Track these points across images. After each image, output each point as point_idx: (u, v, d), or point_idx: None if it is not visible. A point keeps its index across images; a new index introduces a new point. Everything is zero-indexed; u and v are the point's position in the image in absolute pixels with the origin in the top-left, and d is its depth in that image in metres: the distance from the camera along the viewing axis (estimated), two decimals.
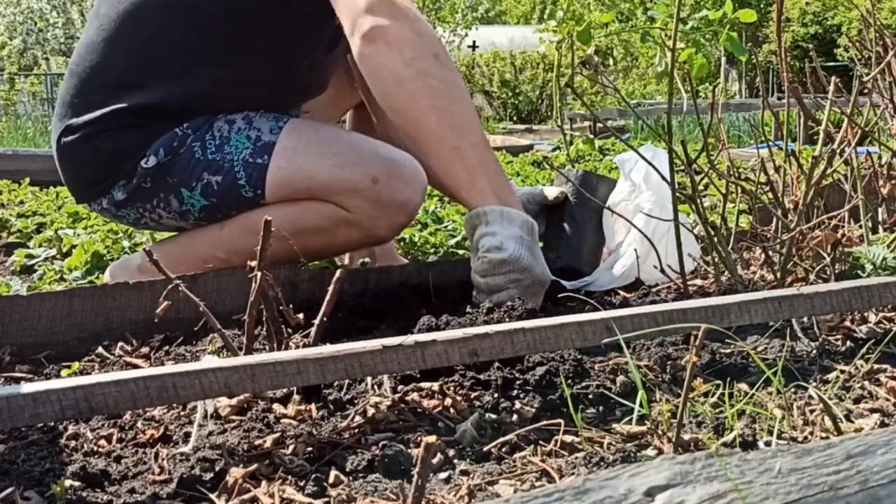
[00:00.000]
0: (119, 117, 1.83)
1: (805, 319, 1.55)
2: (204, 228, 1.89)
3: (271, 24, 1.85)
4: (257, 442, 1.08)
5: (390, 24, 1.66)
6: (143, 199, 1.87)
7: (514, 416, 1.18)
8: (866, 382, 1.30)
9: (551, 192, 2.00)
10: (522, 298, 1.54)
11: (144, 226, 1.97)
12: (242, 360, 1.10)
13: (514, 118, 13.89)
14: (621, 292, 1.82)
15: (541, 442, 1.10)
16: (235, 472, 0.99)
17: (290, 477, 1.01)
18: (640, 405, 1.13)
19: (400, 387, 1.25)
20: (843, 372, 1.33)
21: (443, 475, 1.02)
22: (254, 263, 1.26)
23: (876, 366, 1.35)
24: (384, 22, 1.66)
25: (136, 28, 1.84)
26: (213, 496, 0.97)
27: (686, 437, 1.09)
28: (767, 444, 1.09)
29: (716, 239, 1.71)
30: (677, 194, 1.69)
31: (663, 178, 1.70)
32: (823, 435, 1.12)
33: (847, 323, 1.56)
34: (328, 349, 1.13)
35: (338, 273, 1.30)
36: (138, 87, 1.83)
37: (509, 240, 1.62)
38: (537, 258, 1.65)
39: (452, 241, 2.59)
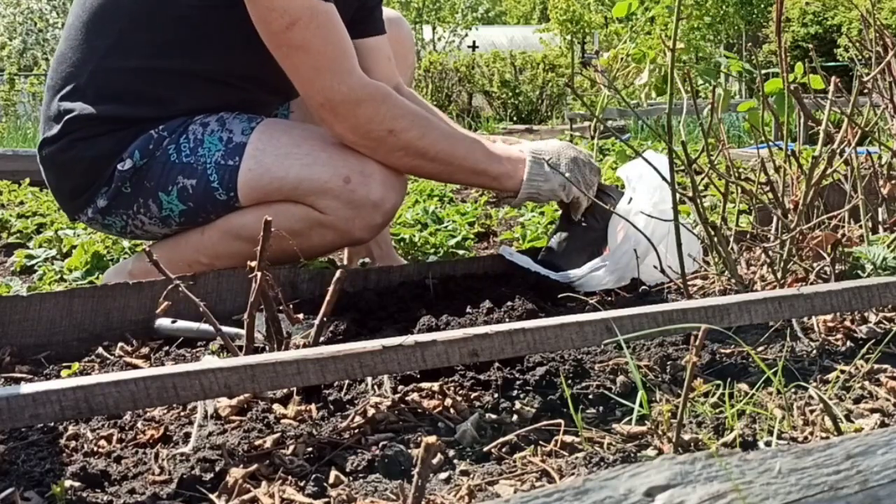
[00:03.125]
0: (93, 124, 1.83)
1: (805, 319, 1.55)
2: (186, 233, 1.89)
3: (224, 23, 1.81)
4: (257, 442, 1.08)
5: (342, 126, 1.79)
6: (125, 205, 1.87)
7: (515, 417, 1.18)
8: (866, 382, 1.30)
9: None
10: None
11: (131, 234, 1.96)
12: (242, 360, 1.10)
13: (514, 118, 13.88)
14: (621, 292, 1.82)
15: (541, 442, 1.10)
16: (235, 473, 0.99)
17: (290, 477, 1.01)
18: (640, 405, 1.13)
19: (400, 387, 1.25)
20: (843, 372, 1.33)
21: (443, 475, 1.02)
22: (254, 264, 1.26)
23: (876, 366, 1.34)
24: (338, 128, 1.79)
25: (98, 36, 1.84)
26: (213, 496, 0.97)
27: (686, 437, 1.09)
28: (767, 444, 1.08)
29: (716, 239, 1.71)
30: (677, 194, 1.69)
31: (664, 178, 1.70)
32: (823, 435, 1.12)
33: (847, 323, 1.56)
34: (328, 349, 1.13)
35: (338, 273, 1.30)
36: (107, 95, 1.83)
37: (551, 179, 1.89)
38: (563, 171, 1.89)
39: (452, 241, 2.59)
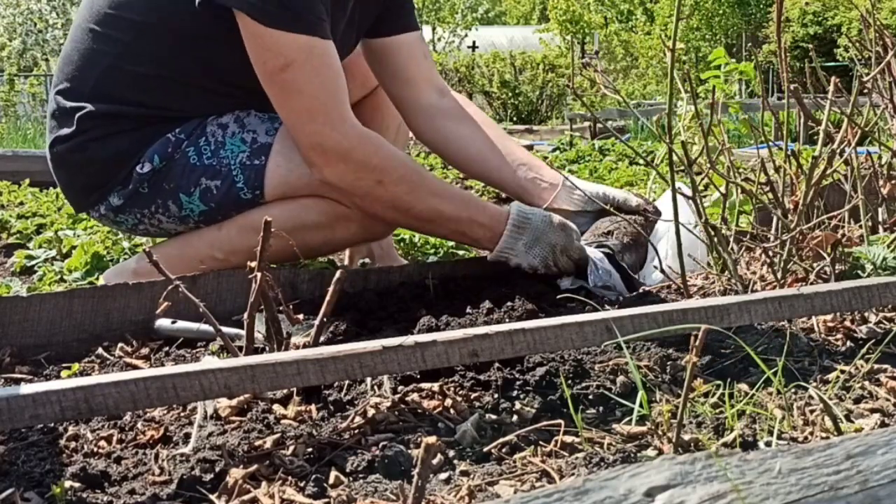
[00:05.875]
0: (106, 123, 1.84)
1: (805, 319, 1.55)
2: (201, 230, 1.90)
3: (225, 40, 1.78)
4: (257, 443, 1.08)
5: (330, 171, 1.77)
6: (142, 204, 1.88)
7: (515, 417, 1.18)
8: (866, 382, 1.30)
9: (630, 199, 1.95)
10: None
11: (144, 231, 1.97)
12: (242, 360, 1.10)
13: (514, 118, 13.89)
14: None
15: (541, 442, 1.10)
16: (235, 473, 0.99)
17: (290, 478, 1.01)
18: (640, 405, 1.13)
19: (400, 387, 1.25)
20: (843, 372, 1.33)
21: (443, 476, 1.02)
22: (254, 264, 1.26)
23: (876, 366, 1.34)
24: (326, 173, 1.77)
25: (104, 42, 1.85)
26: (213, 497, 0.97)
27: (686, 437, 1.09)
28: (768, 444, 1.08)
29: (716, 239, 1.71)
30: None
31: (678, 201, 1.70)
32: (823, 435, 1.12)
33: (847, 323, 1.56)
34: (328, 350, 1.12)
35: (338, 274, 1.30)
36: (113, 99, 1.84)
37: (524, 257, 1.81)
38: (531, 246, 1.80)
39: (452, 242, 2.58)
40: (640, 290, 1.82)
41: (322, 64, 1.74)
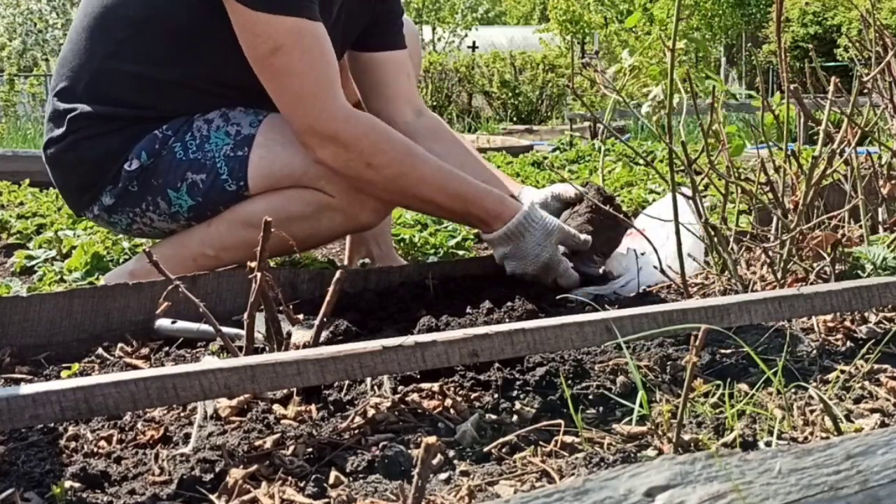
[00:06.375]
0: (96, 123, 1.85)
1: (805, 319, 1.55)
2: (192, 228, 1.91)
3: (219, 35, 1.78)
4: (257, 443, 1.08)
5: (323, 153, 1.77)
6: (133, 203, 1.88)
7: (515, 417, 1.18)
8: (866, 382, 1.30)
9: (569, 190, 1.98)
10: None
11: (138, 231, 1.98)
12: (242, 360, 1.10)
13: (514, 118, 13.89)
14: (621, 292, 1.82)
15: (541, 442, 1.10)
16: (235, 473, 0.99)
17: (290, 478, 1.01)
18: (641, 405, 1.13)
19: (400, 387, 1.25)
20: (843, 372, 1.33)
21: (443, 476, 1.02)
22: (254, 264, 1.26)
23: (876, 366, 1.34)
24: (320, 154, 1.78)
25: (99, 42, 1.86)
26: (213, 497, 0.97)
27: (686, 437, 1.09)
28: (768, 444, 1.08)
29: (716, 239, 1.71)
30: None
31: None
32: (823, 435, 1.12)
33: (847, 323, 1.56)
34: (328, 350, 1.13)
35: (338, 274, 1.30)
36: (106, 99, 1.85)
37: (519, 264, 1.81)
38: (529, 249, 1.79)
39: (452, 242, 2.59)
40: (640, 290, 1.82)
41: (311, 46, 1.75)
